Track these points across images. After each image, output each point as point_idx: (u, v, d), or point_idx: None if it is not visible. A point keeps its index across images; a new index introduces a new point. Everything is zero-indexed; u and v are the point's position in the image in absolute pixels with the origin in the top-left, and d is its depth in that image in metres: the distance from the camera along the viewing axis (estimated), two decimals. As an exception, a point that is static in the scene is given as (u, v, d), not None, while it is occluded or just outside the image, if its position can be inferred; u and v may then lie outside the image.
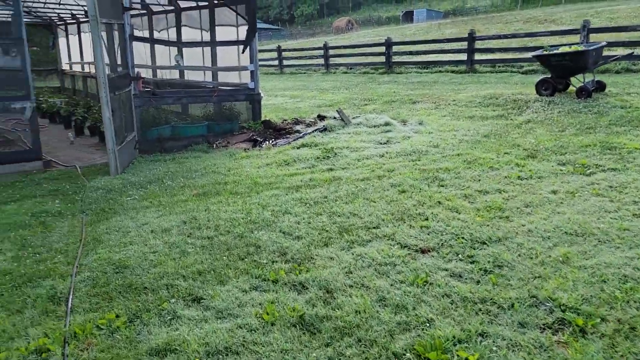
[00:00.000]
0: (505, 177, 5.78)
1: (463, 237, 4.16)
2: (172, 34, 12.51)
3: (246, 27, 9.72)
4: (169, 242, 4.44)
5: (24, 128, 8.30)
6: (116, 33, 7.89)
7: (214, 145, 9.19)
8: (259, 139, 9.11)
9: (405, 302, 3.21)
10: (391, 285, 3.46)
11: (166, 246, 4.37)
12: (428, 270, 3.63)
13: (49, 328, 3.17)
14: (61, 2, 13.78)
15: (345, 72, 20.64)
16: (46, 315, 3.34)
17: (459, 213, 4.73)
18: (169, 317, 3.22)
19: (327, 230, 4.51)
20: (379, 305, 3.21)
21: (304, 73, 22.85)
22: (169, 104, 9.49)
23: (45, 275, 3.94)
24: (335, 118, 9.75)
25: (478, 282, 3.45)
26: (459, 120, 9.48)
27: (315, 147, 7.83)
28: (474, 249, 3.96)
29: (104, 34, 7.20)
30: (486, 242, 4.06)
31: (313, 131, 8.91)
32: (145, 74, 11.32)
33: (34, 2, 14.79)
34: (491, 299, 3.20)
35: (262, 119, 10.28)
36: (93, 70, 16.84)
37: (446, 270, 3.64)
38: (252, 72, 9.89)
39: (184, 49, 11.95)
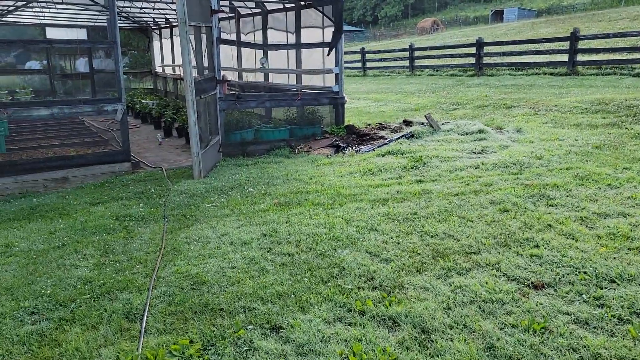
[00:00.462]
0: (629, 197, 4.95)
1: (585, 272, 3.50)
2: (258, 37, 12.52)
3: (332, 29, 9.41)
4: (248, 257, 4.17)
5: (117, 128, 8.55)
6: (204, 36, 7.88)
7: (296, 150, 8.96)
8: (341, 144, 8.75)
9: (520, 354, 2.67)
10: (501, 329, 2.92)
11: (245, 261, 4.10)
12: (545, 313, 3.04)
13: (121, 350, 2.98)
14: (155, 7, 14.32)
15: (431, 75, 19.80)
16: (120, 333, 3.17)
17: (576, 240, 4.05)
18: (245, 348, 2.92)
19: (418, 253, 4.02)
20: (488, 356, 2.69)
21: (387, 75, 22.27)
22: (252, 107, 9.41)
23: (123, 287, 3.81)
24: (422, 124, 9.17)
25: (612, 334, 2.82)
26: (563, 128, 8.53)
27: (401, 156, 7.33)
28: (601, 288, 3.29)
29: (192, 36, 7.19)
30: (616, 280, 3.38)
31: (399, 138, 8.40)
32: (232, 76, 11.38)
33: (131, 7, 15.54)
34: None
35: (345, 123, 9.92)
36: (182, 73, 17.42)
37: (568, 314, 3.03)
38: (336, 75, 9.56)
39: (269, 52, 11.90)
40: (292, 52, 11.12)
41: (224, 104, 8.60)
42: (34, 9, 14.28)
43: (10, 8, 14.93)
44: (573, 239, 4.08)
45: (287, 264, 4.00)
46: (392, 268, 3.79)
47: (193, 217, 5.42)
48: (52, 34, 18.03)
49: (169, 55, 18.45)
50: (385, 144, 8.25)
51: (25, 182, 7.22)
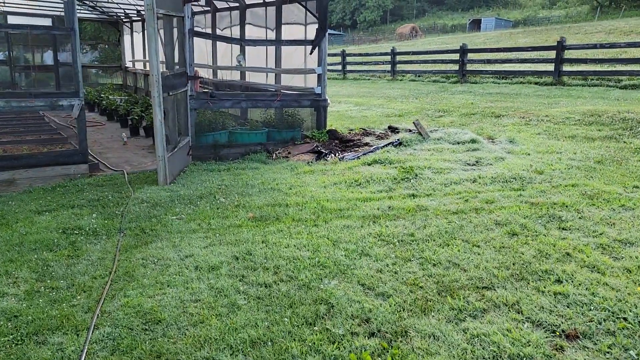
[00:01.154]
0: (648, 221, 4.42)
1: (625, 319, 2.91)
2: (235, 33, 11.76)
3: (316, 26, 8.74)
4: (216, 288, 3.45)
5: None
6: (175, 28, 7.11)
7: (274, 155, 8.25)
8: (323, 150, 8.08)
9: None
10: (538, 400, 2.28)
11: (212, 293, 3.37)
12: (589, 377, 2.42)
13: None
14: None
15: (413, 80, 19.34)
16: (42, 397, 2.41)
17: (604, 274, 3.46)
18: None
19: (421, 287, 3.38)
20: None
21: (368, 79, 21.75)
22: (227, 107, 8.64)
23: (57, 325, 3.04)
24: (410, 131, 8.58)
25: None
26: (558, 140, 8.06)
27: (390, 165, 6.70)
28: (649, 341, 2.70)
29: (160, 28, 6.42)
30: (664, 330, 2.79)
31: (386, 145, 7.78)
32: (205, 74, 10.57)
33: (100, -2, 14.58)
34: None
35: (327, 128, 9.25)
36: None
37: (618, 379, 2.42)
38: (319, 75, 8.90)
39: (246, 49, 11.15)
40: (272, 50, 10.40)
41: (195, 102, 7.83)
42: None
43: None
44: (599, 272, 3.50)
45: (263, 298, 3.29)
46: (391, 306, 3.13)
47: (153, 232, 4.65)
48: (15, 22, 16.88)
49: (140, 49, 17.49)
50: (371, 151, 7.61)
51: (-38, 184, 6.31)
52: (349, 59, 23.82)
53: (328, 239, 4.22)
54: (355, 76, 22.90)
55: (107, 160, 8.42)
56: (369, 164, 6.93)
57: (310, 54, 8.79)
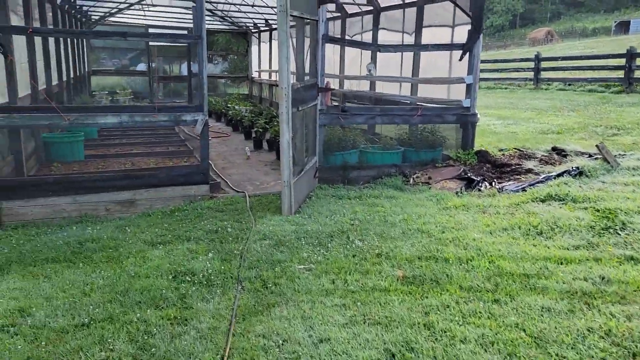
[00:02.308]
0: None
1: None
2: (365, 39, 10.72)
3: (467, 27, 7.35)
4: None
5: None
6: (307, 33, 6.20)
7: (411, 179, 7.00)
8: (474, 177, 6.64)
9: None
10: None
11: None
12: None
13: None
14: (254, 5, 13.05)
15: (562, 89, 16.82)
16: None
17: None
18: None
19: None
20: None
21: (505, 88, 19.51)
22: (359, 123, 7.56)
23: None
24: (590, 155, 6.79)
25: None
26: None
27: (576, 205, 5.08)
28: None
29: (293, 31, 5.53)
30: None
31: (560, 174, 6.12)
32: (332, 84, 9.59)
33: (229, 9, 14.52)
34: None
35: (476, 148, 7.77)
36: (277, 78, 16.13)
37: None
38: (469, 85, 7.47)
39: (377, 57, 10.05)
40: (407, 57, 9.17)
41: (325, 117, 6.86)
42: (133, 9, 13.71)
43: (113, 10, 14.61)
44: None
45: None
46: None
47: (277, 289, 3.65)
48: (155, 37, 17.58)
49: (265, 60, 17.31)
50: (541, 181, 6.02)
51: (84, 204, 5.94)
52: (481, 65, 21.72)
53: (525, 332, 2.86)
54: (489, 84, 20.75)
55: (229, 178, 7.82)
56: (542, 200, 5.36)
57: (460, 60, 7.40)
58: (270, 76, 16.97)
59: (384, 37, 10.11)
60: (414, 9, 8.83)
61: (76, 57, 13.51)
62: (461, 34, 7.71)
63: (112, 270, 4.17)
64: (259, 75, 18.35)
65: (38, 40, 8.42)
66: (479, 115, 7.73)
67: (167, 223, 5.49)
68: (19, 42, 6.96)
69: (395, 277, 3.73)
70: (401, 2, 9.01)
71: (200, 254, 4.45)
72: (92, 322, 3.27)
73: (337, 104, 7.19)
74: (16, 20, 7.37)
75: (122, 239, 4.98)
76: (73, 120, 5.78)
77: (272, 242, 4.66)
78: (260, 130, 11.02)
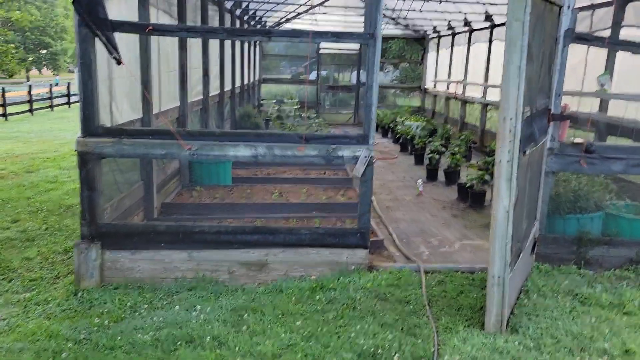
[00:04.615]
0: None
1: None
2: (623, 36, 7.63)
3: None
4: None
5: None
6: (546, 28, 3.76)
7: None
8: None
9: None
10: None
11: None
12: None
13: None
14: (438, 9, 10.73)
15: None
16: None
17: None
18: None
19: None
20: None
21: None
22: (615, 172, 4.75)
23: None
24: None
25: None
26: None
27: None
28: None
29: (526, 25, 3.19)
30: None
31: None
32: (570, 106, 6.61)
33: (409, 10, 12.47)
34: None
35: None
36: (456, 90, 13.63)
37: None
38: None
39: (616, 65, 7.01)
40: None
41: (557, 161, 4.33)
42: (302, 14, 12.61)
43: (289, 15, 13.82)
44: None
45: None
46: None
47: None
48: (325, 44, 16.60)
49: (444, 68, 14.86)
50: None
51: (202, 262, 4.37)
52: None
53: None
54: None
55: (394, 226, 5.77)
56: None
57: None
58: (448, 87, 14.49)
59: (629, 34, 7.01)
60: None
61: (247, 65, 12.93)
62: None
63: None
64: (435, 86, 15.95)
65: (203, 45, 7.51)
66: None
67: (302, 316, 3.60)
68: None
69: None
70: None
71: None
72: None
73: (578, 141, 4.47)
74: (167, 20, 6.31)
75: (231, 346, 3.21)
76: (195, 151, 4.24)
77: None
78: (436, 156, 8.75)
